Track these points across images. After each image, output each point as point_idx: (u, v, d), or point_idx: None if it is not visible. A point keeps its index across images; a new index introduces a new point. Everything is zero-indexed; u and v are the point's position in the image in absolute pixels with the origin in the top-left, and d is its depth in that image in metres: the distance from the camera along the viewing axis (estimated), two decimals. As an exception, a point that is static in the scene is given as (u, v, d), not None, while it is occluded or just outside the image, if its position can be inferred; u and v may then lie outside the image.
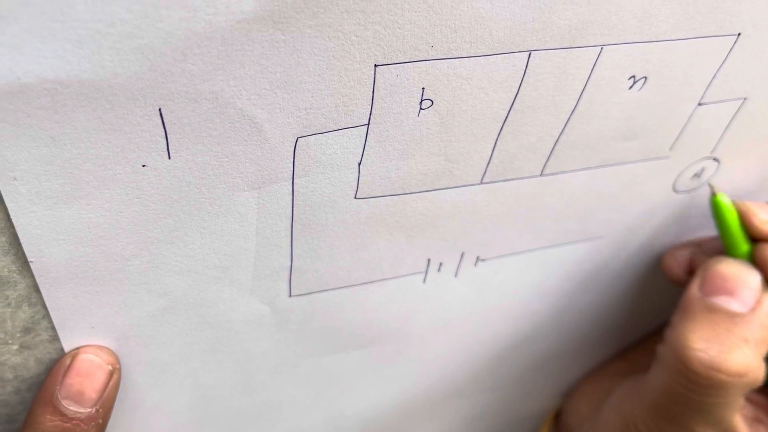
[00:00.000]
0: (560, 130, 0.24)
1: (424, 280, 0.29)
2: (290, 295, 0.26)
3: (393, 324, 0.30)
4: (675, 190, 0.29)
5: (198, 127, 0.19)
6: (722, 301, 0.26)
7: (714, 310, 0.26)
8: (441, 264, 0.28)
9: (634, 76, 0.23)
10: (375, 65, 0.20)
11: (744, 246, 0.28)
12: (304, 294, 0.27)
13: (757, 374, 0.25)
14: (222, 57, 0.18)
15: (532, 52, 0.21)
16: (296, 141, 0.21)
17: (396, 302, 0.29)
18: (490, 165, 0.24)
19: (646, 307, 0.37)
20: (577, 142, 0.25)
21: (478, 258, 0.29)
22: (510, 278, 0.30)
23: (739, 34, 0.23)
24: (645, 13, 0.21)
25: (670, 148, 0.27)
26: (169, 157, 0.20)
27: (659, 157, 0.27)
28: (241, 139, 0.20)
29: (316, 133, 0.21)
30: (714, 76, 0.24)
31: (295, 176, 0.22)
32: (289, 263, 0.25)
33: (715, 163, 0.29)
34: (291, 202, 0.23)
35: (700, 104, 0.25)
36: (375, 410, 0.35)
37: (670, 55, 0.23)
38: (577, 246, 0.30)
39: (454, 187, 0.25)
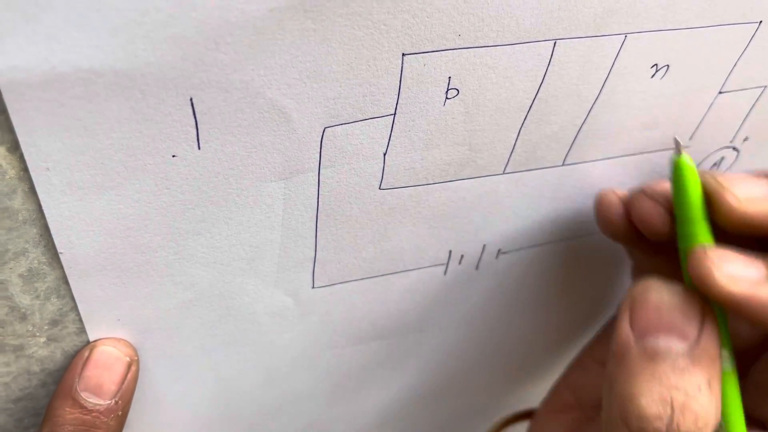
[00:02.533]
0: (583, 119, 0.24)
1: (445, 272, 0.29)
2: (313, 287, 0.26)
3: (413, 316, 0.30)
4: (694, 179, 0.29)
5: (228, 117, 0.19)
6: (660, 341, 0.21)
7: (653, 354, 0.20)
8: (462, 256, 0.28)
9: (656, 65, 0.23)
10: (403, 54, 0.20)
11: (704, 240, 0.22)
12: (327, 285, 0.27)
13: (717, 421, 0.21)
14: (254, 46, 0.18)
15: (558, 41, 0.21)
16: (323, 131, 0.21)
17: (417, 294, 0.29)
18: (513, 154, 0.25)
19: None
20: (599, 131, 0.25)
21: (499, 251, 0.29)
22: (531, 271, 0.30)
23: (760, 22, 0.23)
24: (669, 1, 0.21)
25: (691, 138, 0.27)
26: (199, 148, 0.20)
27: (679, 147, 0.27)
28: (269, 129, 0.20)
29: (343, 123, 0.21)
30: (735, 64, 0.24)
31: (321, 166, 0.22)
32: (313, 254, 0.25)
33: (735, 153, 0.29)
34: (317, 192, 0.23)
35: (720, 92, 0.25)
36: (393, 402, 0.35)
37: (692, 43, 0.23)
38: (597, 237, 0.30)
39: (477, 177, 0.25)
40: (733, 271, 0.20)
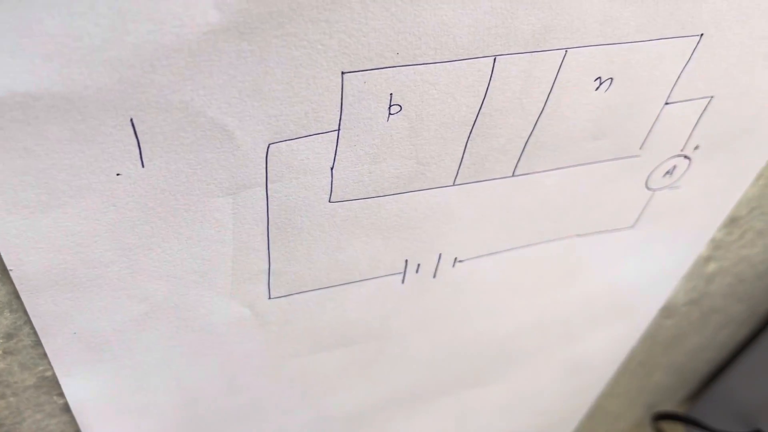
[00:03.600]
0: (529, 132, 0.25)
1: (403, 281, 0.29)
2: (270, 298, 0.27)
3: (374, 324, 0.31)
4: (648, 187, 0.30)
5: (170, 136, 0.20)
6: None
7: None
8: (419, 265, 0.29)
9: (600, 78, 0.24)
10: (342, 72, 0.20)
11: None
12: (284, 296, 0.27)
13: None
14: (190, 68, 0.18)
15: (497, 57, 0.22)
16: (268, 147, 0.21)
17: (376, 302, 0.30)
18: (462, 167, 0.25)
19: (627, 303, 0.37)
20: (546, 143, 0.25)
21: (455, 259, 0.29)
22: (488, 278, 0.31)
23: (701, 35, 0.24)
24: (606, 17, 0.22)
25: (641, 147, 0.27)
26: (143, 166, 0.20)
27: (630, 156, 0.28)
28: (213, 146, 0.21)
29: (287, 140, 0.21)
30: (679, 76, 0.25)
31: (268, 181, 0.22)
32: (267, 266, 0.25)
33: (687, 161, 0.29)
34: (266, 206, 0.23)
35: (667, 103, 0.26)
36: (360, 408, 0.36)
37: (634, 56, 0.23)
38: (552, 244, 0.31)
39: (428, 189, 0.25)
40: None
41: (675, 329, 0.46)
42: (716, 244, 0.38)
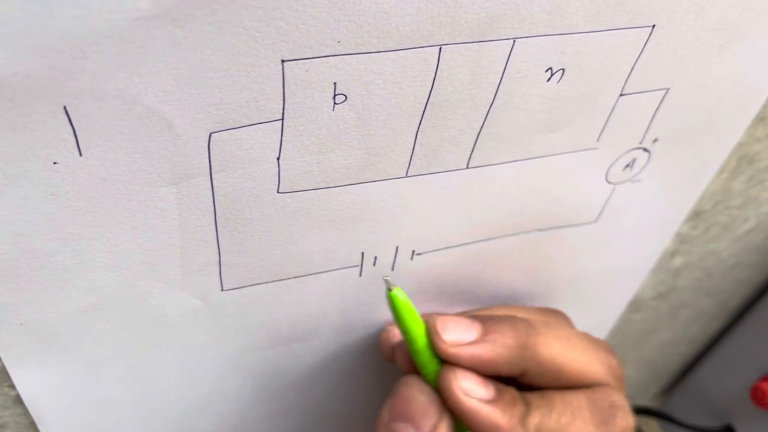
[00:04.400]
0: (481, 123, 0.24)
1: (360, 274, 0.29)
2: (222, 290, 0.27)
3: (334, 317, 0.31)
4: (608, 181, 0.30)
5: (107, 124, 0.19)
6: (401, 428, 0.25)
7: None
8: (376, 258, 0.28)
9: (551, 68, 0.23)
10: (282, 61, 0.20)
11: (432, 364, 0.25)
12: (237, 288, 0.27)
13: None
14: (123, 54, 0.18)
15: (443, 47, 0.21)
16: (210, 136, 0.21)
17: (334, 295, 0.29)
18: (414, 158, 0.25)
19: (593, 297, 0.37)
20: (500, 134, 0.25)
21: (414, 252, 0.29)
22: (447, 271, 0.31)
23: (653, 26, 0.23)
24: (554, 6, 0.21)
25: (598, 139, 0.27)
26: (81, 155, 0.20)
27: (587, 149, 0.27)
28: (152, 135, 0.20)
29: (229, 129, 0.21)
30: (633, 67, 0.25)
31: (212, 171, 0.22)
32: (217, 258, 0.25)
33: (646, 154, 0.29)
34: (212, 197, 0.23)
35: (622, 95, 0.26)
36: (324, 402, 0.36)
37: (585, 47, 0.23)
38: (514, 239, 0.31)
39: (380, 180, 0.25)
40: (468, 388, 0.25)
41: (644, 324, 0.46)
42: (681, 239, 0.38)
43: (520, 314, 0.28)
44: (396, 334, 0.30)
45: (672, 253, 0.39)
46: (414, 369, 0.27)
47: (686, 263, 0.41)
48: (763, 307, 0.49)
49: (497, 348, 0.25)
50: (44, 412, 0.29)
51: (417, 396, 0.25)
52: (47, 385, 0.27)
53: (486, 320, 0.26)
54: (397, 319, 0.25)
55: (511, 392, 0.26)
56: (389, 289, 0.25)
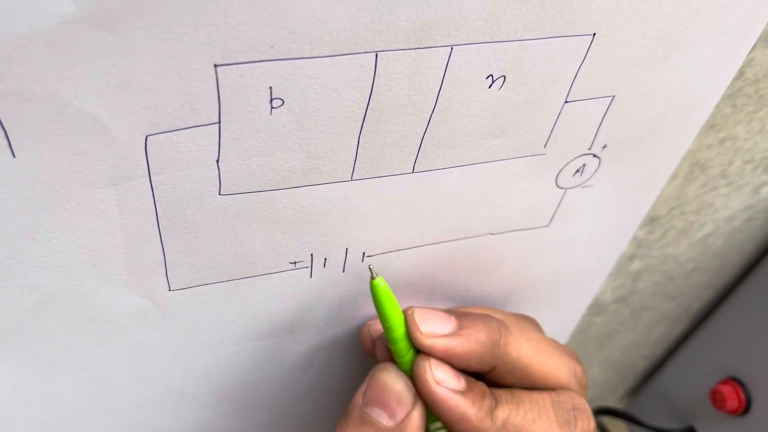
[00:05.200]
0: (424, 129, 0.25)
1: (311, 275, 0.29)
2: (170, 289, 0.27)
3: (286, 317, 0.31)
4: (558, 186, 0.30)
5: (39, 126, 0.20)
6: (375, 414, 0.26)
7: (365, 422, 0.26)
8: (325, 259, 0.29)
9: (491, 75, 0.24)
10: (215, 65, 0.20)
11: (408, 354, 0.26)
12: (185, 288, 0.27)
13: None
14: (50, 58, 0.18)
15: (379, 53, 0.21)
16: (146, 139, 0.21)
17: (285, 296, 0.30)
18: (358, 162, 0.25)
19: (552, 300, 0.37)
20: (443, 140, 0.25)
21: (363, 254, 0.29)
22: (400, 273, 0.31)
23: (594, 34, 0.24)
24: (490, 14, 0.22)
25: (545, 145, 0.27)
26: (14, 156, 0.20)
27: (535, 154, 0.28)
28: (87, 138, 0.20)
29: (165, 131, 0.21)
30: (576, 75, 0.25)
31: (151, 173, 0.22)
32: (162, 258, 0.25)
33: (596, 160, 0.29)
34: (152, 198, 0.23)
35: (567, 102, 0.26)
36: (282, 399, 0.36)
37: (525, 54, 0.23)
38: (465, 242, 0.31)
39: (324, 184, 0.25)
40: (440, 377, 0.26)
41: (606, 326, 0.47)
42: (639, 243, 0.38)
43: (495, 315, 0.29)
44: (377, 329, 0.31)
45: (630, 257, 0.39)
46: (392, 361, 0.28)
47: (645, 267, 0.41)
48: (724, 312, 0.49)
49: (470, 343, 0.26)
50: (-5, 409, 0.29)
51: (392, 383, 0.26)
52: (-3, 382, 0.28)
53: (462, 316, 0.27)
54: (378, 307, 0.26)
55: (481, 386, 0.27)
56: (372, 278, 0.26)
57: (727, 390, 0.47)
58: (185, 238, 0.25)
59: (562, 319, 0.41)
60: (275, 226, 0.26)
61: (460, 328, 0.26)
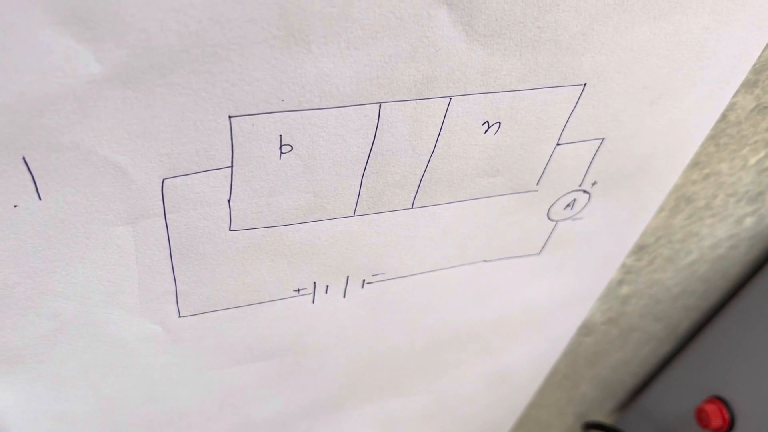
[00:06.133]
0: (423, 170, 0.26)
1: (313, 301, 0.30)
2: (180, 316, 0.28)
3: (288, 339, 0.32)
4: (550, 218, 0.31)
5: (64, 172, 0.21)
6: None
7: None
8: (328, 286, 0.30)
9: (488, 122, 0.25)
10: (229, 116, 0.21)
11: None
12: (194, 315, 0.28)
13: None
14: (77, 113, 0.19)
15: (383, 104, 0.23)
16: (162, 182, 0.23)
17: (288, 321, 0.31)
18: (360, 199, 0.26)
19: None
20: (441, 179, 0.27)
21: (364, 281, 0.31)
22: (399, 299, 0.32)
23: (584, 84, 0.25)
24: (487, 68, 0.23)
25: (537, 183, 0.29)
26: (40, 198, 0.21)
27: (528, 191, 0.29)
28: (108, 181, 0.22)
29: (181, 175, 0.23)
30: (567, 120, 0.26)
31: (166, 212, 0.24)
32: (173, 288, 0.27)
33: (586, 195, 0.31)
34: (167, 234, 0.24)
35: (559, 144, 0.27)
36: (283, 416, 0.37)
37: (520, 103, 0.25)
38: (460, 269, 0.32)
39: (328, 220, 0.27)
40: None
41: (595, 346, 0.48)
42: (627, 269, 0.40)
43: None
44: None
45: (619, 282, 0.41)
46: None
47: (633, 291, 0.43)
48: (709, 333, 0.51)
49: None
50: (11, 427, 0.30)
51: None
52: (12, 401, 0.29)
53: None
54: None
55: None
56: None
57: (711, 409, 0.48)
58: (196, 270, 0.26)
59: (552, 339, 0.42)
60: (281, 258, 0.27)
61: None
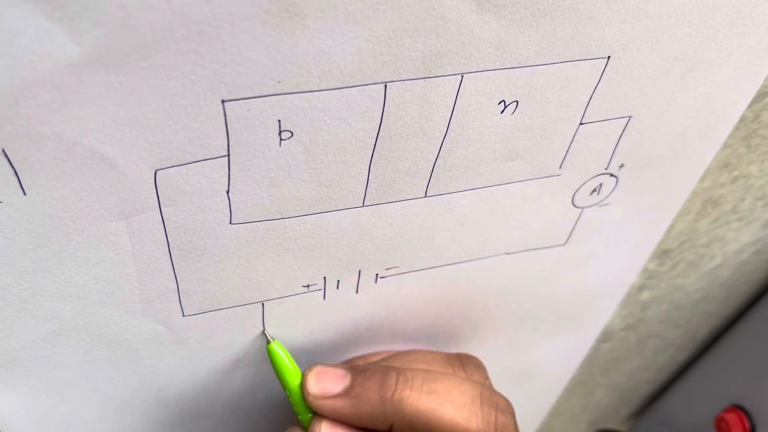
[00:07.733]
0: (435, 155, 0.24)
1: (324, 297, 0.29)
2: (184, 315, 0.27)
3: (300, 338, 0.31)
4: (575, 205, 0.29)
5: (48, 165, 0.20)
6: None
7: None
8: (339, 281, 0.28)
9: (504, 101, 0.23)
10: (222, 101, 0.20)
11: (307, 415, 0.28)
12: (199, 313, 0.27)
13: None
14: (57, 100, 0.18)
15: (388, 84, 0.21)
16: (155, 173, 0.21)
17: (299, 318, 0.29)
18: (369, 188, 0.25)
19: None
20: (456, 164, 0.25)
21: (377, 275, 0.29)
22: (414, 293, 0.31)
23: (608, 57, 0.23)
24: (501, 42, 0.21)
25: (560, 166, 0.27)
26: (25, 194, 0.20)
27: (550, 175, 0.27)
28: (96, 174, 0.20)
29: (174, 165, 0.21)
30: (591, 97, 0.24)
31: (161, 206, 0.22)
32: (175, 286, 0.25)
33: (613, 179, 0.29)
34: (163, 229, 0.23)
35: (582, 123, 0.25)
36: (293, 419, 0.36)
37: (538, 80, 0.23)
38: (483, 262, 0.30)
39: (335, 211, 0.25)
40: None
41: (612, 353, 0.46)
42: (649, 274, 0.37)
43: (415, 362, 0.29)
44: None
45: (640, 288, 0.39)
46: None
47: (654, 297, 0.40)
48: (730, 340, 0.48)
49: (359, 403, 0.26)
50: (13, 430, 0.29)
51: None
52: (14, 406, 0.28)
53: (358, 373, 0.27)
54: (276, 370, 0.28)
55: None
56: (268, 342, 0.27)
57: (731, 418, 0.46)
58: (198, 266, 0.25)
59: (579, 336, 0.40)
60: (287, 252, 0.26)
61: (351, 386, 0.26)
